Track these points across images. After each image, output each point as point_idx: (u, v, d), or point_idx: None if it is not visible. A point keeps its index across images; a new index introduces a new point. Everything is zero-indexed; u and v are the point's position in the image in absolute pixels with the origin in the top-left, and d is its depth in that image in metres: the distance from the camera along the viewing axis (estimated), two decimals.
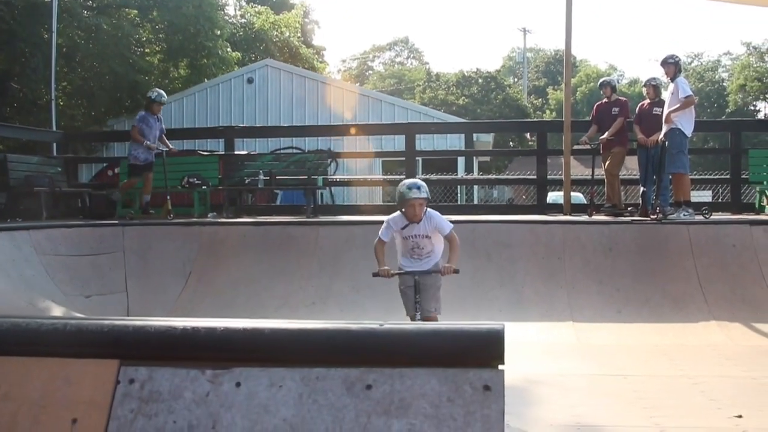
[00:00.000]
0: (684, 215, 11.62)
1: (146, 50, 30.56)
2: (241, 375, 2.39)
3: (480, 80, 55.13)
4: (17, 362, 2.54)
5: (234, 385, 2.37)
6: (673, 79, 12.17)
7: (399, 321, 2.55)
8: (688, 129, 11.90)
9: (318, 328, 2.46)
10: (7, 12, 22.75)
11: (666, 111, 12.00)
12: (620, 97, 13.60)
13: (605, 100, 13.58)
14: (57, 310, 10.05)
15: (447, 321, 2.56)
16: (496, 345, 2.34)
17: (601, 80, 13.98)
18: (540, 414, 5.98)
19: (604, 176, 13.42)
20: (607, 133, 13.07)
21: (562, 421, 5.75)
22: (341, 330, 2.44)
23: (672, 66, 12.21)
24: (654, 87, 12.88)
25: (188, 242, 11.86)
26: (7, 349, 2.56)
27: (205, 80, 28.66)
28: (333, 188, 16.36)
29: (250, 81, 26.08)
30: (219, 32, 29.60)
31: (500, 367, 2.37)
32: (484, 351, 2.35)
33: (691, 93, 11.92)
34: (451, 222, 11.57)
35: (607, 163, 13.32)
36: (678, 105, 11.80)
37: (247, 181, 14.41)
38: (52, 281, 10.95)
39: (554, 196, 19.36)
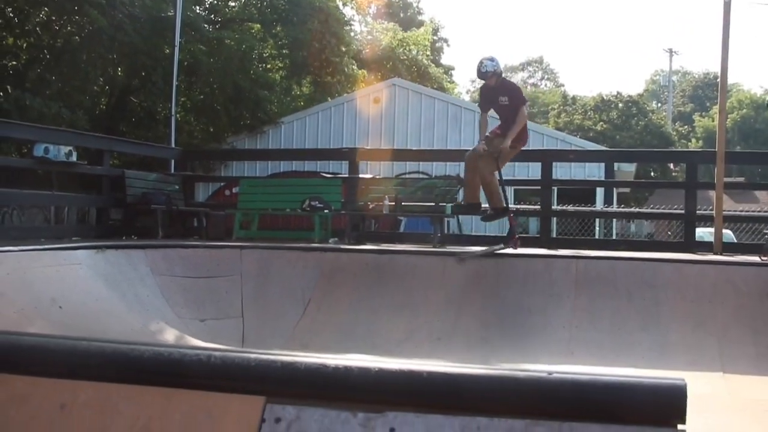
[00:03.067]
0: None
1: (269, 66, 31.13)
2: (395, 420, 2.34)
3: (620, 104, 54.35)
4: (158, 393, 2.55)
5: (387, 430, 2.33)
6: None
7: (565, 370, 2.45)
8: None
9: (481, 374, 2.39)
10: (130, 26, 23.47)
11: None
12: (507, 80, 12.43)
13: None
14: (171, 333, 10.23)
15: (609, 370, 2.46)
16: (678, 402, 2.24)
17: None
18: None
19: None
20: (509, 135, 12.08)
21: None
22: (506, 377, 2.37)
23: None
24: None
25: (308, 268, 11.92)
26: (148, 378, 2.58)
27: (329, 99, 29.03)
28: (461, 217, 16.31)
29: (376, 101, 26.25)
30: (345, 49, 29.95)
31: (680, 426, 2.27)
32: (664, 408, 2.25)
33: None
34: (589, 258, 11.44)
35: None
36: None
37: (371, 207, 14.44)
38: (167, 303, 11.18)
39: (700, 233, 18.88)
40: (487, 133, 12.50)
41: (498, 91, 12.12)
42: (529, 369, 2.38)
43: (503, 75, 12.52)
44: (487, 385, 2.37)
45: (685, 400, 2.24)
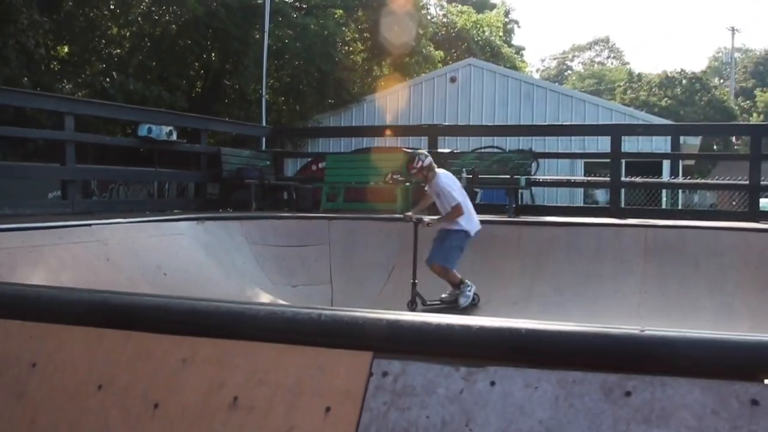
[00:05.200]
0: None
1: (350, 49, 31.15)
2: (496, 374, 2.35)
3: (684, 81, 53.19)
4: (272, 348, 2.59)
5: (488, 383, 2.33)
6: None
7: (657, 328, 2.41)
8: None
9: (576, 331, 2.38)
10: (224, 13, 23.72)
11: None
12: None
13: None
14: (265, 298, 10.36)
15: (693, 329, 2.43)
16: (765, 358, 2.20)
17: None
18: None
19: None
20: None
21: None
22: (601, 334, 2.35)
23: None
24: None
25: (391, 237, 11.93)
26: (263, 335, 2.63)
27: (408, 78, 28.96)
28: (533, 188, 16.17)
29: (453, 80, 26.08)
30: (422, 31, 29.85)
31: (766, 381, 2.23)
32: (753, 364, 2.21)
33: None
34: (658, 227, 11.22)
35: None
36: None
37: None
38: (261, 270, 11.34)
39: (763, 203, 18.42)
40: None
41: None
42: (622, 327, 2.36)
43: None
44: (582, 341, 2.36)
45: None
